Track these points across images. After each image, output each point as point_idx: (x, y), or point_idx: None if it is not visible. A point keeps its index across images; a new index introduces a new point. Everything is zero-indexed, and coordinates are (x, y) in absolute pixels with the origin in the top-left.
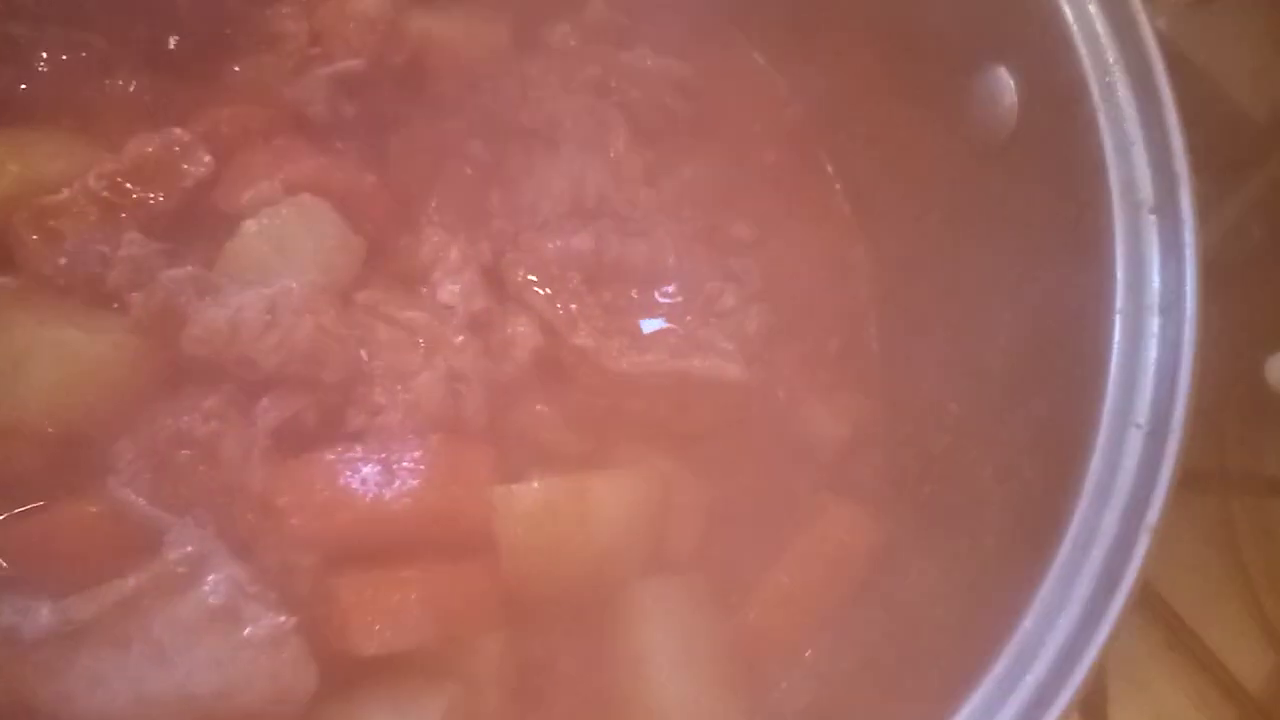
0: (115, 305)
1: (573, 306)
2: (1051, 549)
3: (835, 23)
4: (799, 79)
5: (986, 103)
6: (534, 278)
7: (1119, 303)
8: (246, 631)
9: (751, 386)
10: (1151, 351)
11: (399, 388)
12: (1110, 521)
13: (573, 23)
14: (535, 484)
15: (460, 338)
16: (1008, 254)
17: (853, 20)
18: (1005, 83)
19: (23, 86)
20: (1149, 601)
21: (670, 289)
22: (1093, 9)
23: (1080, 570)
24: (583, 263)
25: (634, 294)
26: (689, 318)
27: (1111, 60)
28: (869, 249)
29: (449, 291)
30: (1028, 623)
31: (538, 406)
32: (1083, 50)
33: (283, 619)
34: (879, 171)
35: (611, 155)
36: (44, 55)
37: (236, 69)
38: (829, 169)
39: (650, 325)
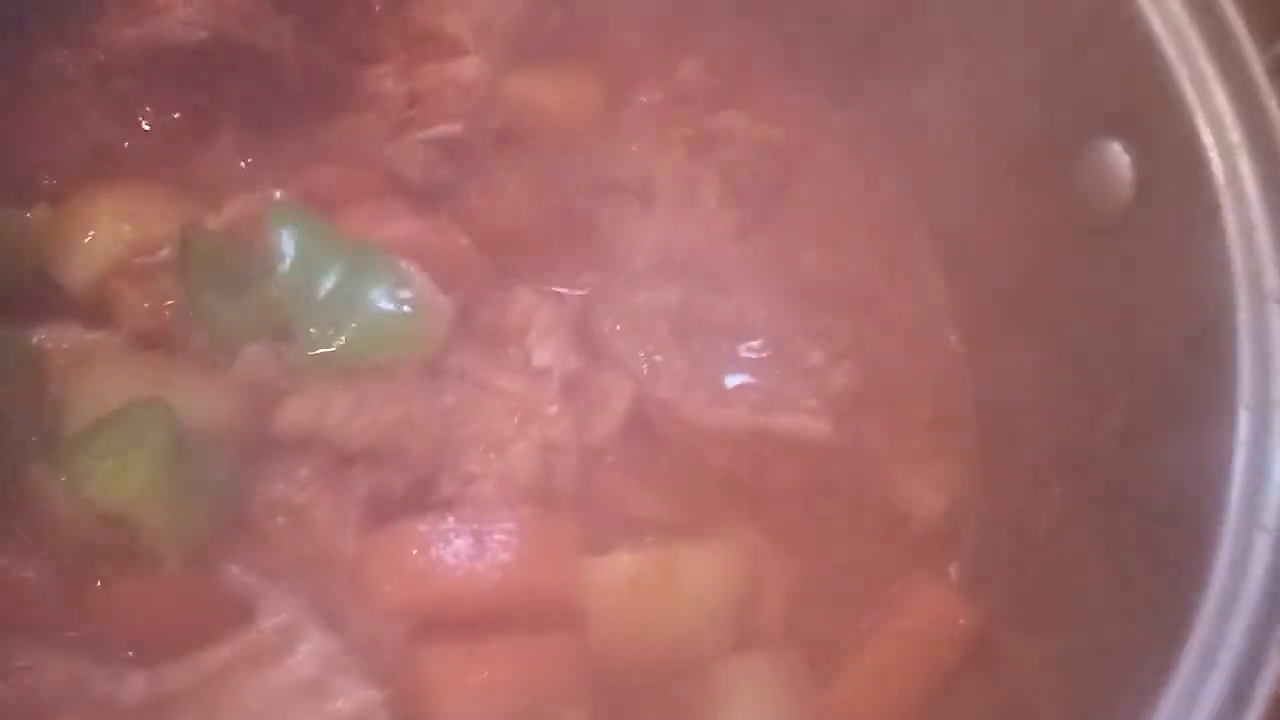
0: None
1: (658, 358)
2: (1172, 660)
3: (933, 90)
4: (893, 144)
5: (1098, 179)
6: (620, 328)
7: (1243, 396)
8: (337, 704)
9: (837, 448)
10: (1279, 450)
11: (492, 456)
12: (1237, 633)
13: (666, 84)
14: (624, 557)
15: (555, 408)
16: (1116, 336)
17: (953, 87)
18: (1120, 159)
19: (127, 144)
20: None
21: (756, 344)
22: (1216, 88)
23: (1205, 686)
24: (670, 315)
25: (720, 348)
26: (774, 373)
27: (1236, 141)
28: (963, 317)
29: (543, 353)
30: None
31: (624, 472)
32: (1205, 130)
33: (372, 693)
34: (976, 239)
35: (703, 212)
36: (148, 112)
37: (335, 129)
38: (923, 232)
39: (734, 380)
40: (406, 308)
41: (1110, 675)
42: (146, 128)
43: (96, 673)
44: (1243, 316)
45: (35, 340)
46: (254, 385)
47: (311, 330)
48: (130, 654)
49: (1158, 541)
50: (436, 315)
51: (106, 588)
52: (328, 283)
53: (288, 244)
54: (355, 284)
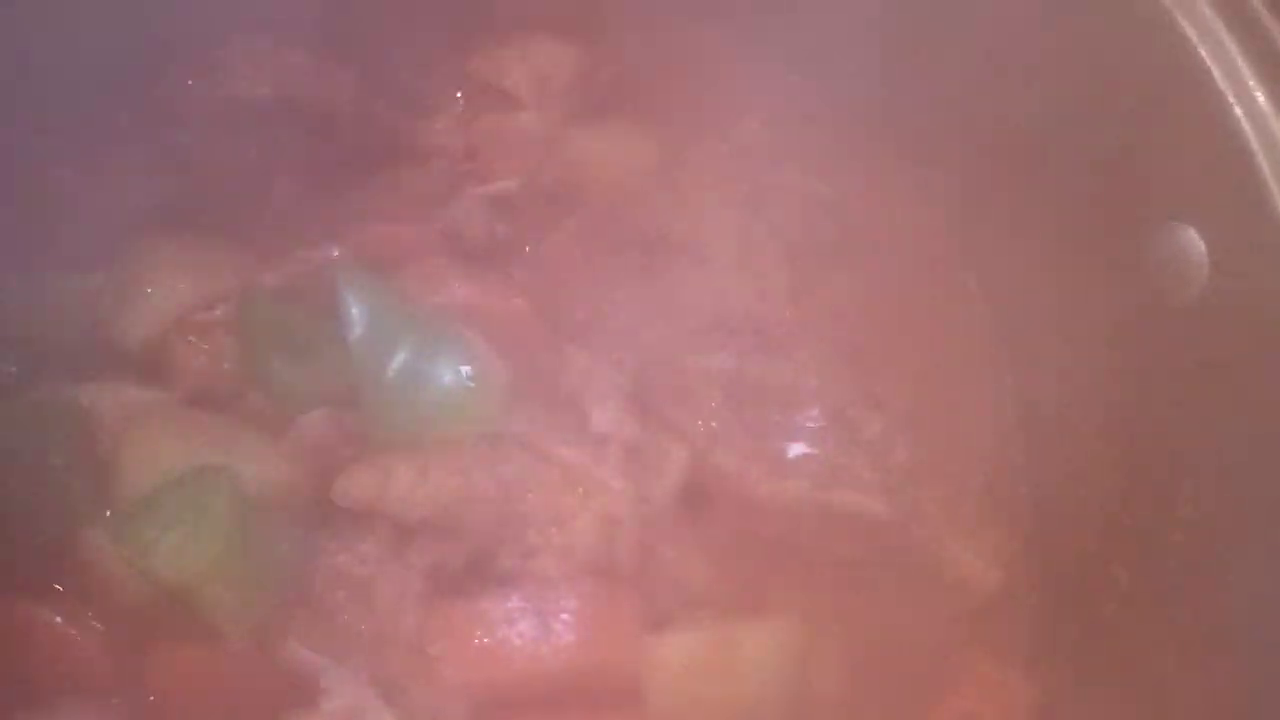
0: (272, 429)
1: (714, 425)
2: None
3: (999, 164)
4: (953, 210)
5: (1169, 262)
6: (675, 395)
7: None
8: None
9: (894, 519)
10: None
11: (553, 530)
12: None
13: (724, 140)
14: (684, 636)
15: (617, 480)
16: (1184, 426)
17: (1016, 158)
18: (1194, 244)
19: (185, 199)
20: None
21: (814, 413)
22: None
23: None
24: (725, 382)
25: (776, 416)
26: (832, 444)
27: None
28: (1018, 384)
29: (600, 419)
30: None
31: (680, 543)
32: None
33: None
34: (1033, 312)
35: (758, 272)
36: (206, 167)
37: (391, 184)
38: (978, 297)
39: (792, 449)
40: (471, 382)
41: None
42: (202, 179)
43: None
44: None
45: (87, 400)
46: (314, 451)
47: (377, 401)
48: None
49: (1237, 639)
50: (498, 388)
51: (162, 656)
52: (398, 355)
53: (358, 312)
54: (423, 356)
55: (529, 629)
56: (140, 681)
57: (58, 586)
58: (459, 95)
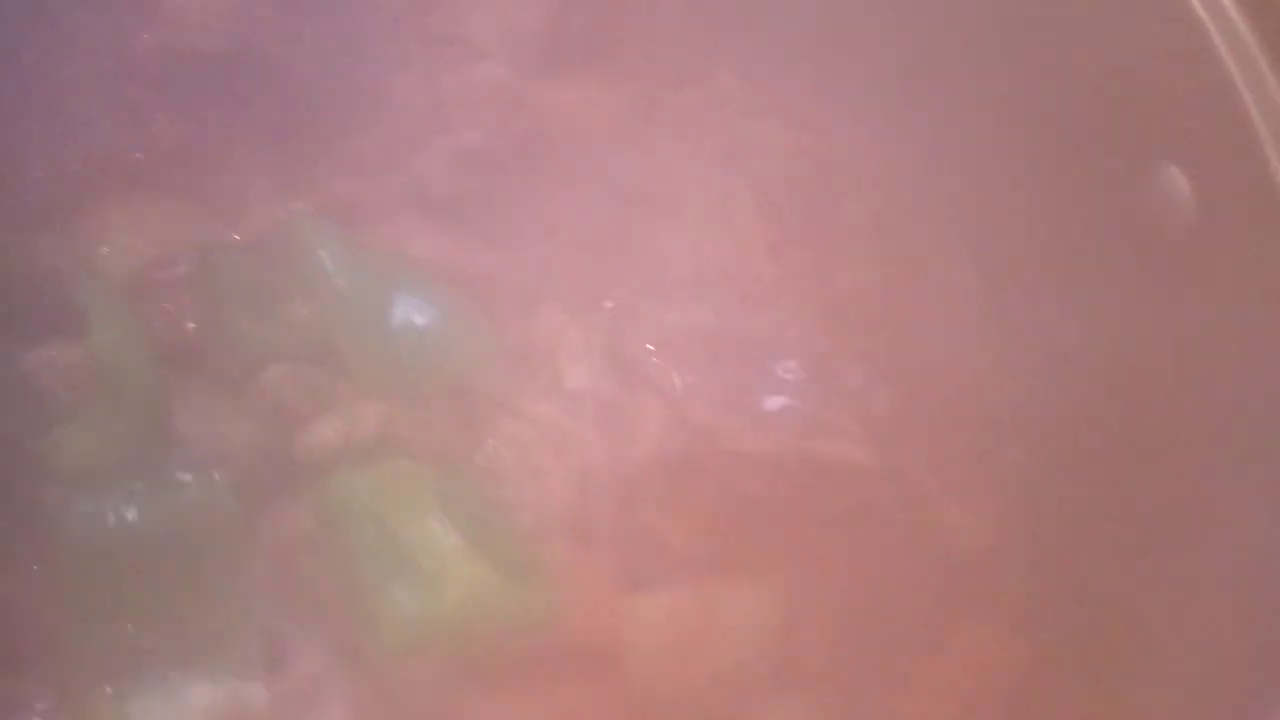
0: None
1: (692, 380)
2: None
3: (982, 108)
4: (938, 160)
5: (1153, 203)
6: (651, 348)
7: None
8: None
9: (879, 475)
10: None
11: (527, 486)
12: None
13: (699, 92)
14: (664, 597)
15: (592, 435)
16: (1175, 372)
17: (996, 106)
18: (1178, 184)
19: (139, 155)
20: None
21: (793, 365)
22: None
23: None
24: (701, 335)
25: (756, 369)
26: (813, 396)
27: None
28: (1006, 339)
29: (574, 376)
30: None
31: (659, 501)
32: (1272, 156)
33: None
34: (1019, 258)
35: (735, 225)
36: (162, 122)
37: (356, 139)
38: (965, 251)
39: (772, 403)
40: (444, 335)
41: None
42: (160, 138)
43: None
44: None
45: (37, 364)
46: (277, 407)
47: (345, 352)
48: None
49: (1239, 604)
50: (471, 342)
51: None
52: (371, 307)
53: (321, 262)
54: (396, 308)
55: None
56: None
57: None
58: (425, 49)
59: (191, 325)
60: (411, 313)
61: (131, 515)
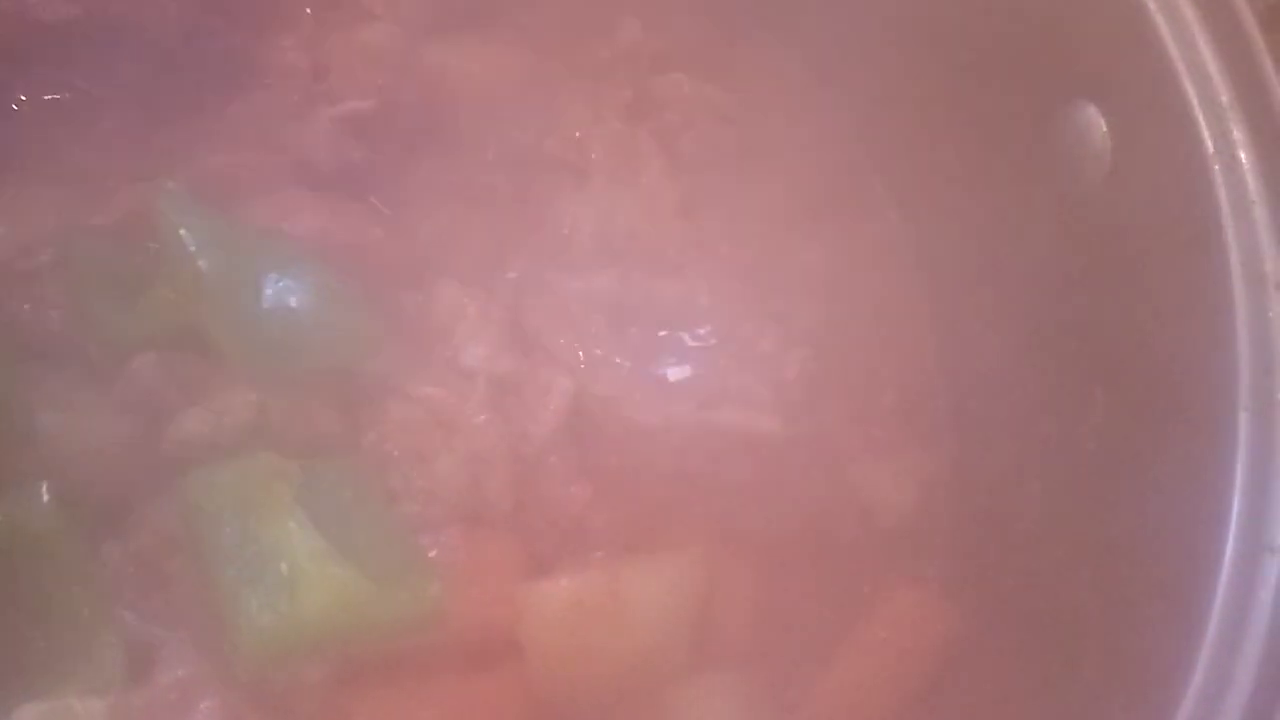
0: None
1: (596, 352)
2: (1171, 695)
3: (896, 49)
4: (853, 109)
5: (1072, 145)
6: (553, 321)
7: (1244, 398)
8: None
9: (793, 441)
10: None
11: (414, 473)
12: (1245, 670)
13: (603, 46)
14: (564, 581)
15: (483, 416)
16: (1094, 321)
17: (916, 47)
18: (1095, 124)
19: None
20: None
21: (703, 332)
22: (1203, 43)
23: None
24: (606, 304)
25: (663, 338)
26: (721, 364)
27: (1226, 103)
28: (931, 293)
29: (471, 354)
30: None
31: (565, 480)
32: (1191, 91)
33: None
34: (943, 209)
35: (643, 186)
36: (21, 98)
37: (233, 110)
38: (886, 203)
39: (678, 372)
40: (320, 309)
41: (1098, 702)
42: (20, 114)
43: None
44: (1239, 304)
45: None
46: (146, 398)
47: (214, 337)
48: None
49: (1154, 558)
50: (354, 323)
51: None
52: (232, 283)
53: (184, 241)
54: (262, 284)
55: None
56: None
57: None
58: (307, 10)
59: (55, 315)
60: (285, 294)
61: None
